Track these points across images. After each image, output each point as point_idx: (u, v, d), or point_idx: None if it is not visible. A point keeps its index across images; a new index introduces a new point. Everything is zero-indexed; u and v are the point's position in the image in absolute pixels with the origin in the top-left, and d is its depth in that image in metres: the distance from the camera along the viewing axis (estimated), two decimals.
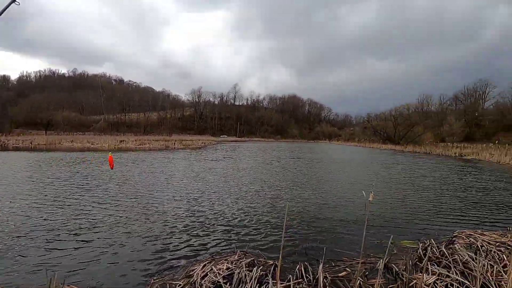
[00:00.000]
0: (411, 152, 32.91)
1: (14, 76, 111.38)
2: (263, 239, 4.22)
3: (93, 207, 5.56)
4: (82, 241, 3.91)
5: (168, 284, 2.86)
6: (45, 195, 6.45)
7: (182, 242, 3.98)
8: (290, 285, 2.69)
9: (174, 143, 33.36)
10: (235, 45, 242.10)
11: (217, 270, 3.08)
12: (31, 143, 26.79)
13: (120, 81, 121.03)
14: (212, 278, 2.92)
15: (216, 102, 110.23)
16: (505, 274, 2.76)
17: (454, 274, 2.78)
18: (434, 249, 3.43)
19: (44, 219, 4.75)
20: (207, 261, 3.35)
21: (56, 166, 11.53)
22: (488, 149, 25.85)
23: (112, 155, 4.50)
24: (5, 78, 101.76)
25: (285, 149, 34.17)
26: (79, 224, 4.58)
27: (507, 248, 3.45)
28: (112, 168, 4.94)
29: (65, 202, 5.88)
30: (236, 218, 5.18)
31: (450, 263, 2.95)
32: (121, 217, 5.00)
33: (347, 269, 3.19)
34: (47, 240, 3.90)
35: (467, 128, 55.92)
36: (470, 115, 59.22)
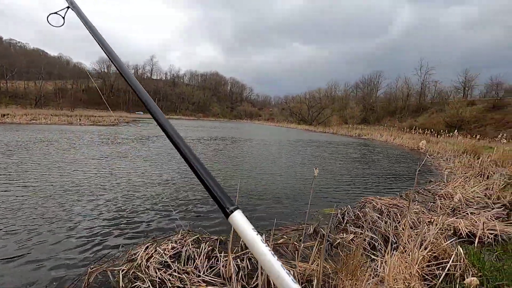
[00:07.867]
0: (321, 132, 37.27)
1: None
2: (204, 217, 4.27)
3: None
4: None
5: (109, 271, 2.67)
6: None
7: (114, 228, 3.69)
8: (239, 255, 2.88)
9: (80, 119, 28.81)
10: (159, 13, 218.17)
11: (162, 250, 3.02)
12: None
13: None
14: (158, 258, 2.87)
15: None
16: (399, 227, 3.60)
17: (367, 231, 3.47)
18: (350, 214, 4.15)
19: None
20: (149, 243, 3.23)
21: None
22: (379, 130, 31.48)
23: None
24: None
25: (211, 128, 33.83)
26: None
27: (398, 208, 4.45)
28: None
29: None
30: (175, 196, 5.04)
31: (363, 223, 3.66)
32: (36, 203, 4.24)
33: (284, 236, 3.59)
34: None
35: (364, 112, 66.21)
36: (367, 101, 70.20)
